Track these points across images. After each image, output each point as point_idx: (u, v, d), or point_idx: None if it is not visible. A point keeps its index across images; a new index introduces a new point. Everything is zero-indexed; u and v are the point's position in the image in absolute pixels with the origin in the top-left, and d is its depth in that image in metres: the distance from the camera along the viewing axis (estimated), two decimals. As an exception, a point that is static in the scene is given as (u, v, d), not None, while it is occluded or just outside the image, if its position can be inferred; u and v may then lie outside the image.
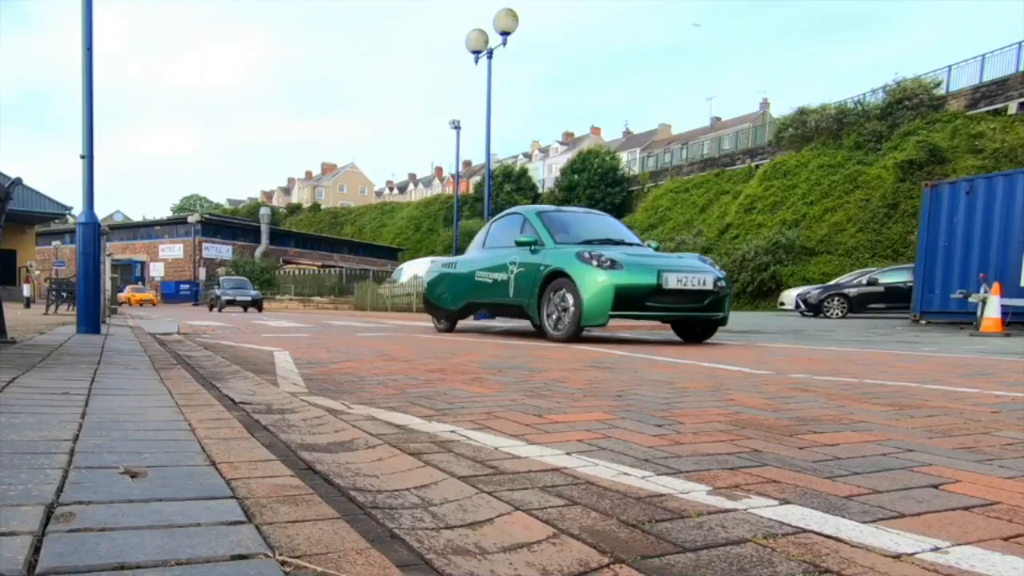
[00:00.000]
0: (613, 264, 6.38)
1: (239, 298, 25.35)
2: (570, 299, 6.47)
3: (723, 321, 6.91)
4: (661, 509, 1.31)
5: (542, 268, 6.86)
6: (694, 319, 6.87)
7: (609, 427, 2.19)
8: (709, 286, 6.51)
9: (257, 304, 25.39)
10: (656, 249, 7.72)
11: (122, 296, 40.36)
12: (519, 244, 7.29)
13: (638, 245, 7.62)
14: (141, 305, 37.37)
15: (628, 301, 6.31)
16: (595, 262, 6.39)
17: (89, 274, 6.19)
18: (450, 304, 8.75)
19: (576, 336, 6.55)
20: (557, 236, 7.22)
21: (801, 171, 33.68)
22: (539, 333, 7.41)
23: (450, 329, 9.12)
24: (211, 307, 26.46)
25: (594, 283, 6.28)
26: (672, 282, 6.34)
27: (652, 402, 2.76)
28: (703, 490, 1.45)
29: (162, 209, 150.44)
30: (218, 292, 26.04)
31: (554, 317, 6.78)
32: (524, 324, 9.68)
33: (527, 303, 7.13)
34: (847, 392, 3.12)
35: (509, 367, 4.21)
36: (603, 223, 8.26)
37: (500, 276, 7.57)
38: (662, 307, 6.50)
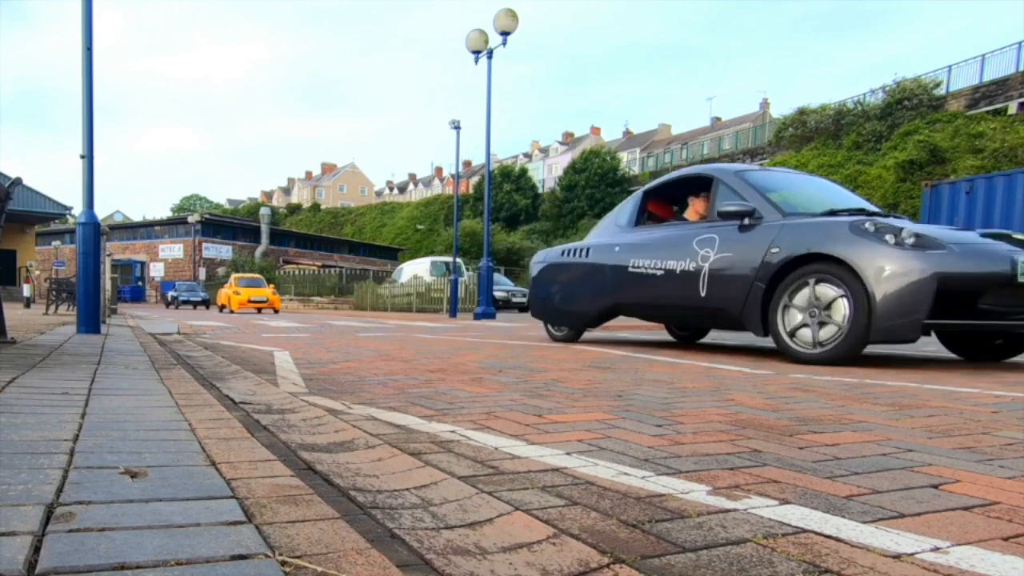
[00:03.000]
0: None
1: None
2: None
3: None
4: (661, 509, 1.31)
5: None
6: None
7: (609, 427, 2.19)
8: None
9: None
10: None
11: (221, 295, 25.23)
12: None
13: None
14: (260, 311, 22.18)
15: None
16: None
17: (89, 274, 6.19)
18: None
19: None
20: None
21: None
22: (547, 335, 7.31)
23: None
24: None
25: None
26: None
27: (652, 402, 2.76)
28: (703, 490, 1.45)
29: (162, 209, 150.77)
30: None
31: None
32: (527, 325, 9.37)
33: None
34: (847, 392, 3.12)
35: (509, 367, 4.21)
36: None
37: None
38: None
